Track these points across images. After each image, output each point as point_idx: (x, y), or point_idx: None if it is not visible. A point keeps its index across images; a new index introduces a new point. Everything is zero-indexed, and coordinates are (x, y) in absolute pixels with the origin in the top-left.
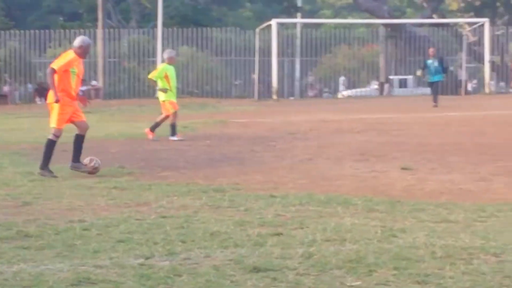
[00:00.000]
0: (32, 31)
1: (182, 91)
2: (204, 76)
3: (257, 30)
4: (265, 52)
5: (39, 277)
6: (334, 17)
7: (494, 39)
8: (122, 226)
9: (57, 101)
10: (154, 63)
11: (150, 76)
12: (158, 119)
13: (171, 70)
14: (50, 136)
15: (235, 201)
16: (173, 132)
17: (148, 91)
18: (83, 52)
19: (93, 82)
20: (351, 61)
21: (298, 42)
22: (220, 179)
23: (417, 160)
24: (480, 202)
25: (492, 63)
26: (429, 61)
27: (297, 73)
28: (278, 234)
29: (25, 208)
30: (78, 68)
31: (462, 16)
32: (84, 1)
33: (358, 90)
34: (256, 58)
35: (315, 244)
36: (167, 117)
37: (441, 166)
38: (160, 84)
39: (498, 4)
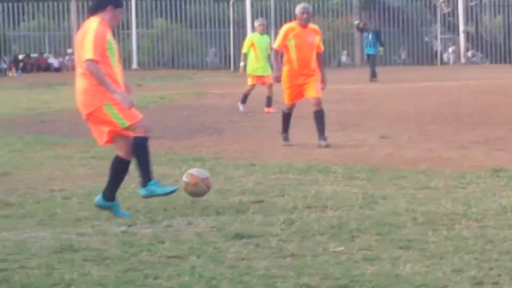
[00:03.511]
0: (5, 4)
1: (158, 63)
2: (179, 48)
3: (231, 2)
4: (240, 24)
5: (21, 245)
6: None
7: (468, 10)
8: None
9: None
10: (129, 36)
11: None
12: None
13: (258, 39)
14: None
15: (215, 169)
16: (244, 100)
17: (124, 63)
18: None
19: (69, 50)
20: (326, 33)
21: (272, 14)
22: (199, 149)
23: (396, 129)
24: (460, 170)
25: (467, 34)
26: (365, 34)
27: (272, 45)
28: (259, 202)
29: (5, 178)
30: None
31: None
32: None
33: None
34: (231, 30)
35: (297, 211)
36: (252, 87)
37: (419, 134)
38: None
39: None
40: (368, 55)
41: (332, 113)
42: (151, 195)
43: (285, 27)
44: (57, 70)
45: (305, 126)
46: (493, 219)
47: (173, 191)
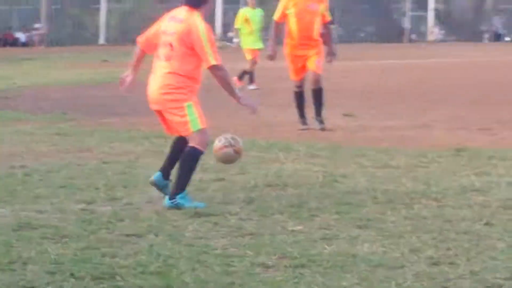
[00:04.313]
0: None
1: (126, 39)
2: (148, 24)
3: None
4: None
5: None
6: None
7: None
8: (64, 171)
9: None
10: (98, 10)
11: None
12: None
13: (252, 13)
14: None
15: None
16: (251, 80)
17: (91, 39)
18: None
19: (36, 25)
20: None
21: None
22: (161, 126)
23: (359, 106)
24: (422, 148)
25: (436, 11)
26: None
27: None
28: (220, 180)
29: None
30: None
31: None
32: None
33: None
34: None
35: (257, 190)
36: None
37: (382, 112)
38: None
39: None
40: None
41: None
42: (176, 207)
43: None
44: (24, 45)
45: (270, 102)
46: (452, 199)
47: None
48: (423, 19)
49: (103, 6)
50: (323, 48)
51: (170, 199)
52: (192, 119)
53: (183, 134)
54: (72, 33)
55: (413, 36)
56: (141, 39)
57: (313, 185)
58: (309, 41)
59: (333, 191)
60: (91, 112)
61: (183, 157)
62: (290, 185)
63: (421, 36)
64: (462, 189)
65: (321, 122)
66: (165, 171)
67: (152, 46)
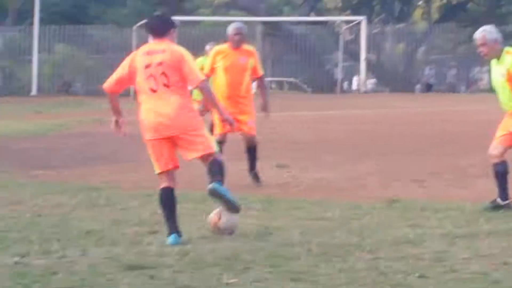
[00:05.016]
0: None
1: (58, 90)
2: (81, 74)
3: (134, 27)
4: None
5: None
6: (212, 15)
7: (370, 38)
8: None
9: None
10: (29, 62)
11: None
12: None
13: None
14: None
15: (112, 199)
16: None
17: (23, 90)
18: None
19: None
20: None
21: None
22: (96, 178)
23: (293, 157)
24: (356, 200)
25: (368, 62)
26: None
27: None
28: (155, 232)
29: None
30: None
31: (339, 14)
32: None
33: None
34: None
35: (191, 242)
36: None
37: (316, 164)
38: None
39: (374, 2)
40: None
41: (228, 142)
42: (220, 193)
43: (215, 49)
44: None
45: None
46: (386, 251)
47: (235, 206)
48: (356, 69)
49: (35, 57)
50: (253, 105)
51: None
52: (211, 138)
53: (204, 152)
54: (3, 84)
55: (346, 87)
56: (108, 84)
57: (248, 238)
58: (237, 98)
59: (267, 243)
60: (23, 164)
61: (217, 166)
62: (225, 237)
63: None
64: (396, 241)
65: (255, 176)
66: (176, 227)
67: (123, 86)
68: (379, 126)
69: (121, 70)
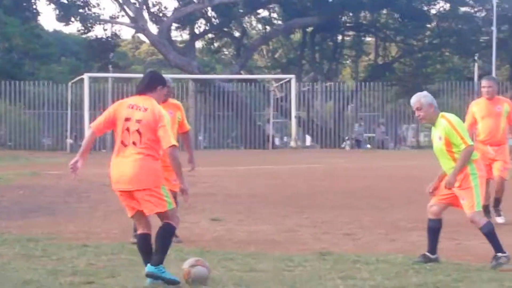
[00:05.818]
0: None
1: None
2: (17, 129)
3: (70, 84)
4: (78, 105)
5: None
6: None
7: (300, 95)
8: None
9: None
10: None
11: None
12: None
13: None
14: None
15: (48, 250)
16: None
17: None
18: None
19: None
20: None
21: (109, 95)
22: (33, 229)
23: (226, 211)
24: (288, 252)
25: (298, 118)
26: None
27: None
28: (90, 283)
29: None
30: None
31: (269, 73)
32: None
33: None
34: (69, 112)
35: None
36: None
37: (249, 217)
38: None
39: (303, 61)
40: None
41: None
42: (157, 275)
43: None
44: None
45: None
46: None
47: (175, 282)
48: (287, 126)
49: None
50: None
51: (155, 265)
52: (167, 199)
53: (157, 211)
54: None
55: (277, 143)
56: (97, 123)
57: None
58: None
59: None
60: None
61: (161, 233)
62: None
63: (285, 142)
64: None
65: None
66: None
67: (104, 129)
68: (310, 180)
69: (108, 113)
